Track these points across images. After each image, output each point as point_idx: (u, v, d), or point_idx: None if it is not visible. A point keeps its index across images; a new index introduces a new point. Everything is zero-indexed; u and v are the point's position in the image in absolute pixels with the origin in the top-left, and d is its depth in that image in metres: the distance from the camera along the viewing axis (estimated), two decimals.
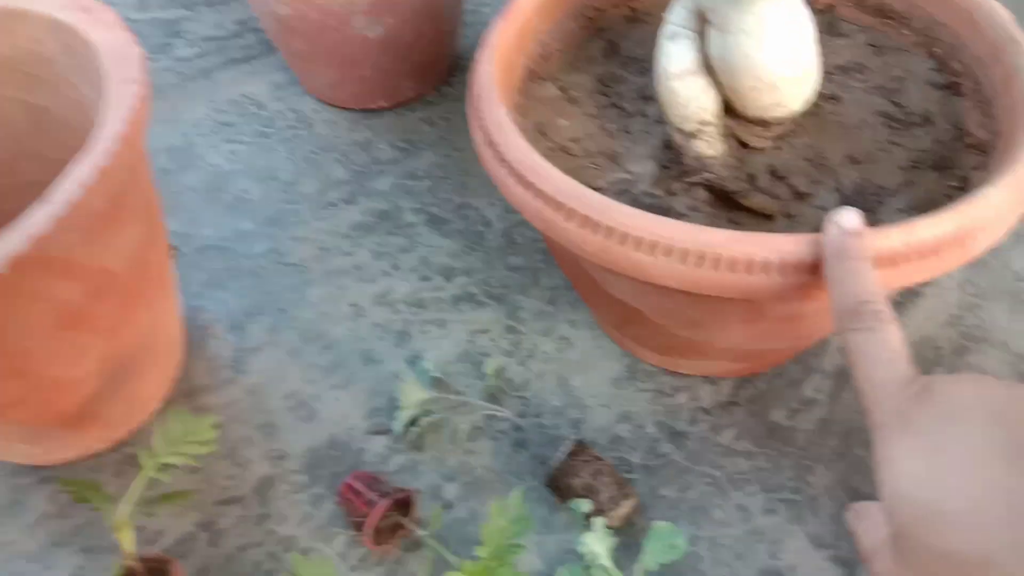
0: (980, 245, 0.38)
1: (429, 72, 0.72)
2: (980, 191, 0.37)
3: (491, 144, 0.43)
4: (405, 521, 0.46)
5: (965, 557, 0.26)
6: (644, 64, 0.52)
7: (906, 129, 0.47)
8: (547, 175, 0.41)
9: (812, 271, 0.36)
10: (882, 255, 0.36)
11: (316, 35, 0.65)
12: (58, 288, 0.40)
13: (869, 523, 0.35)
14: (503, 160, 0.42)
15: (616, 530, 0.46)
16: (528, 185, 0.41)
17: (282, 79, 0.77)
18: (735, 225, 0.44)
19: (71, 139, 0.51)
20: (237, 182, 0.68)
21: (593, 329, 0.56)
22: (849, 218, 0.35)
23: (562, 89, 0.52)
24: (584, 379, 0.54)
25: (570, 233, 0.40)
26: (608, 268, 0.40)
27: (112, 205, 0.40)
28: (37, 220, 0.36)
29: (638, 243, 0.38)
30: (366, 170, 0.68)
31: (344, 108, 0.73)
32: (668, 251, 0.37)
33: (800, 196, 0.45)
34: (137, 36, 0.46)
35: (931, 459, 0.28)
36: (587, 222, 0.39)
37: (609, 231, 0.38)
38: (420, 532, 0.46)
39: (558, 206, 0.40)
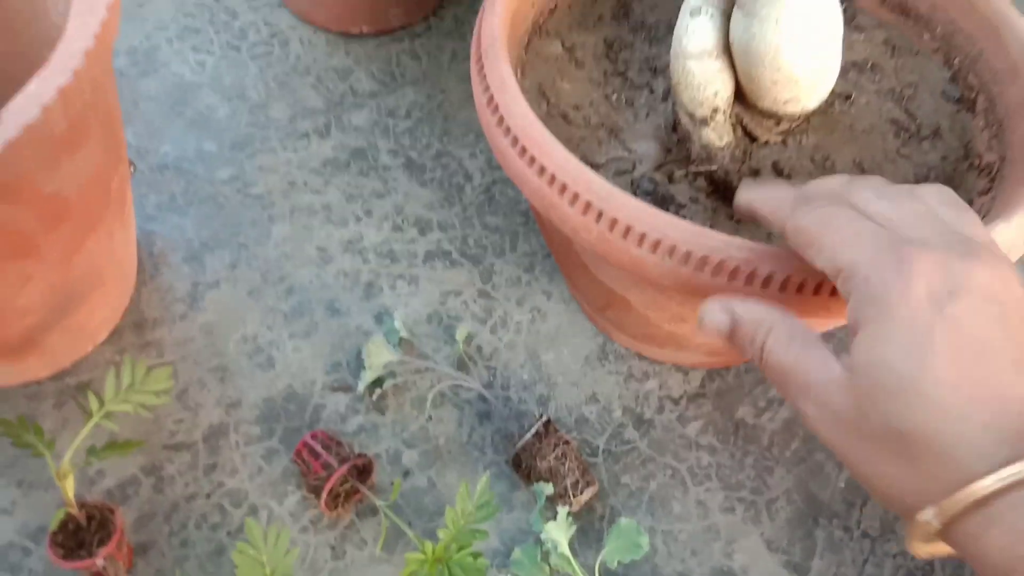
0: None
1: (418, 0, 0.67)
2: (993, 226, 0.36)
3: (493, 107, 0.41)
4: (362, 487, 0.45)
5: (919, 435, 0.26)
6: (656, 31, 0.50)
7: (915, 141, 0.45)
8: (551, 151, 0.38)
9: (816, 291, 0.35)
10: None
11: None
12: (7, 215, 0.36)
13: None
14: (505, 127, 0.40)
15: (575, 515, 0.45)
16: (531, 160, 0.39)
17: None
18: (733, 221, 0.43)
19: (24, 33, 0.46)
20: (202, 96, 0.63)
21: (568, 303, 0.55)
22: (747, 190, 0.38)
23: (567, 48, 0.49)
24: (555, 355, 0.52)
25: (570, 218, 0.38)
26: (604, 258, 0.38)
27: (72, 127, 0.36)
28: None
29: (640, 239, 0.36)
30: (342, 101, 0.64)
31: (323, 28, 0.68)
32: (670, 251, 0.36)
33: None
34: None
35: (919, 337, 0.27)
36: (590, 209, 0.37)
37: (612, 222, 0.36)
38: (377, 501, 0.45)
39: (561, 187, 0.38)
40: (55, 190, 0.38)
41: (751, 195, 0.37)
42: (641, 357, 0.53)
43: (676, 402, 0.51)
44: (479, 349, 0.52)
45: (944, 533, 0.27)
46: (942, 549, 0.28)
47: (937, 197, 0.32)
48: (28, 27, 0.45)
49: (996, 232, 0.36)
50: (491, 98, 0.40)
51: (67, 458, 0.39)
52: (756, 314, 0.33)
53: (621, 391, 0.52)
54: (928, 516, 0.26)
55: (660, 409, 0.51)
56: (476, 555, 0.39)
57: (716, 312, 0.34)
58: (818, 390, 0.29)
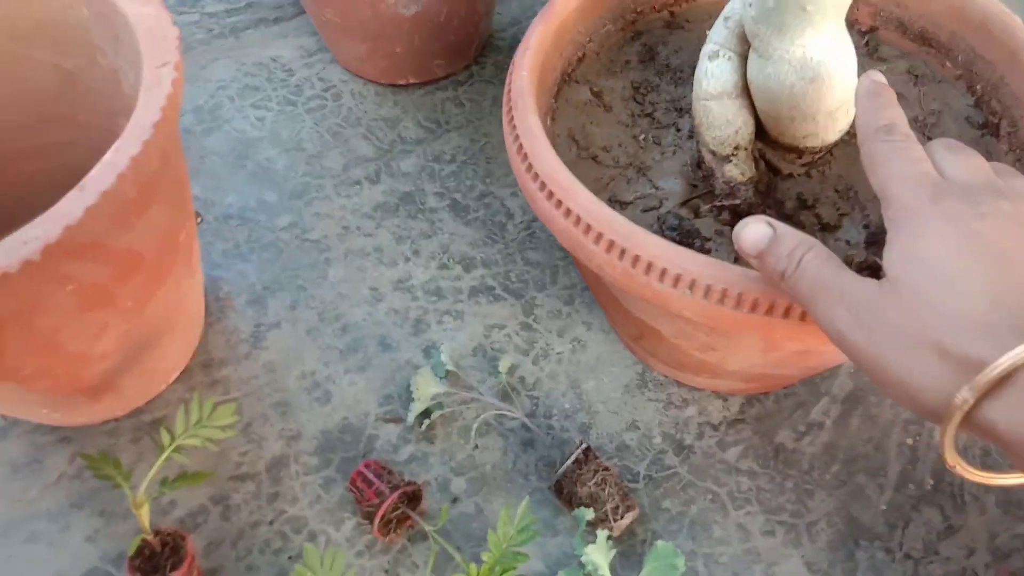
0: None
1: (460, 51, 0.71)
2: None
3: (523, 154, 0.43)
4: (412, 514, 0.48)
5: (949, 330, 0.29)
6: (680, 73, 0.52)
7: None
8: (576, 193, 0.41)
9: None
10: None
11: (349, 8, 0.64)
12: (86, 271, 0.40)
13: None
14: (533, 173, 0.42)
15: (616, 539, 0.47)
16: (558, 203, 0.41)
17: (312, 44, 0.76)
18: None
19: (101, 104, 0.51)
20: (262, 150, 0.68)
21: (607, 333, 0.57)
22: (878, 74, 0.38)
23: (596, 94, 0.51)
24: (595, 383, 0.55)
25: (595, 255, 0.40)
26: (629, 292, 0.40)
27: (142, 191, 0.41)
28: (69, 208, 0.36)
29: (662, 274, 0.38)
30: (392, 148, 0.68)
31: (373, 81, 0.72)
32: (691, 285, 0.38)
33: (827, 228, 0.45)
34: None
35: (958, 239, 0.30)
36: (613, 247, 0.39)
37: (635, 259, 0.38)
38: (426, 526, 0.47)
39: (586, 228, 0.40)
40: (128, 246, 0.42)
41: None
42: (680, 384, 0.54)
43: (716, 428, 0.53)
44: (522, 379, 0.55)
45: (975, 418, 0.29)
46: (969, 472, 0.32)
47: (999, 167, 0.35)
48: (105, 101, 0.50)
49: None
50: (520, 146, 0.43)
51: (142, 489, 0.42)
52: (797, 233, 0.35)
53: (661, 418, 0.53)
54: (964, 394, 0.28)
55: (700, 435, 0.52)
56: None
57: (759, 223, 0.36)
58: (853, 296, 0.32)
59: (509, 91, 0.46)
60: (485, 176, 0.66)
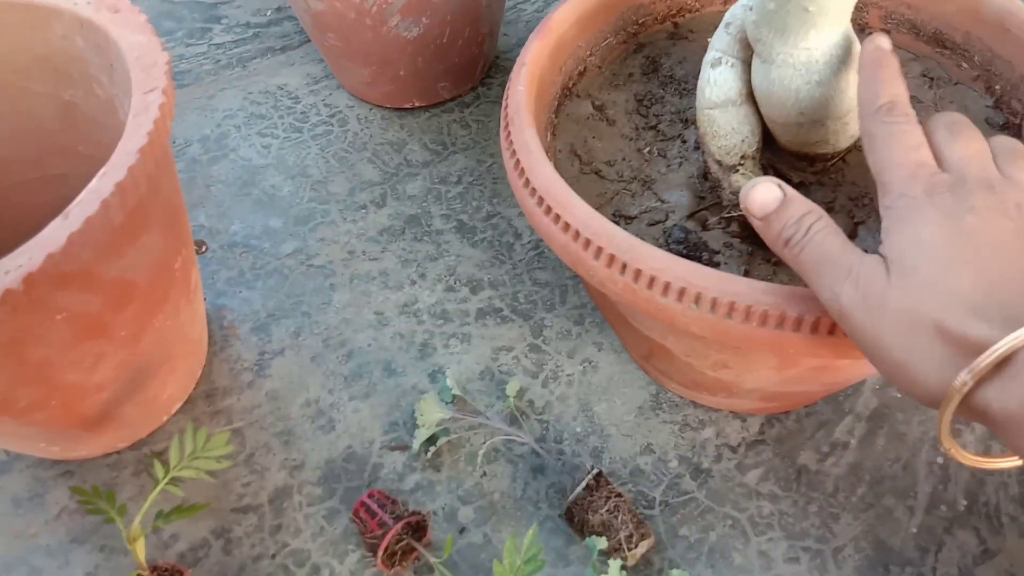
0: None
1: (465, 73, 0.70)
2: None
3: (520, 170, 0.42)
4: (417, 545, 0.46)
5: (946, 317, 0.29)
6: (685, 84, 0.50)
7: None
8: (574, 207, 0.39)
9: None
10: None
11: (351, 33, 0.64)
12: (75, 301, 0.40)
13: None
14: (531, 189, 0.41)
15: (631, 569, 0.45)
16: (556, 218, 0.40)
17: (317, 71, 0.76)
18: (770, 264, 0.42)
19: (100, 135, 0.51)
20: (268, 177, 0.68)
21: (619, 353, 0.55)
22: (884, 39, 0.37)
23: (598, 108, 0.50)
24: (607, 406, 0.53)
25: (596, 271, 0.38)
26: (633, 309, 0.39)
27: (131, 218, 0.40)
28: (52, 236, 0.36)
29: (666, 288, 0.36)
30: (397, 172, 0.67)
31: (379, 106, 0.72)
32: (696, 299, 0.36)
33: None
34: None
35: (952, 232, 0.30)
36: (614, 262, 0.37)
37: (637, 274, 0.37)
38: (432, 558, 0.45)
39: (585, 243, 0.38)
40: (119, 274, 0.41)
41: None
42: (696, 405, 0.52)
43: (734, 450, 0.51)
44: (531, 403, 0.53)
45: (970, 401, 0.29)
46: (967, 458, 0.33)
47: (1003, 144, 0.34)
48: (103, 130, 0.49)
49: None
50: (517, 161, 0.42)
51: (136, 522, 0.41)
52: (807, 201, 0.35)
53: (676, 440, 0.51)
54: (963, 377, 0.28)
55: (718, 458, 0.50)
56: None
57: (769, 184, 0.36)
58: (861, 274, 0.31)
59: (506, 107, 0.45)
60: (492, 197, 0.65)
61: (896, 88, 0.35)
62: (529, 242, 0.61)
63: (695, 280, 0.36)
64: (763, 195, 0.35)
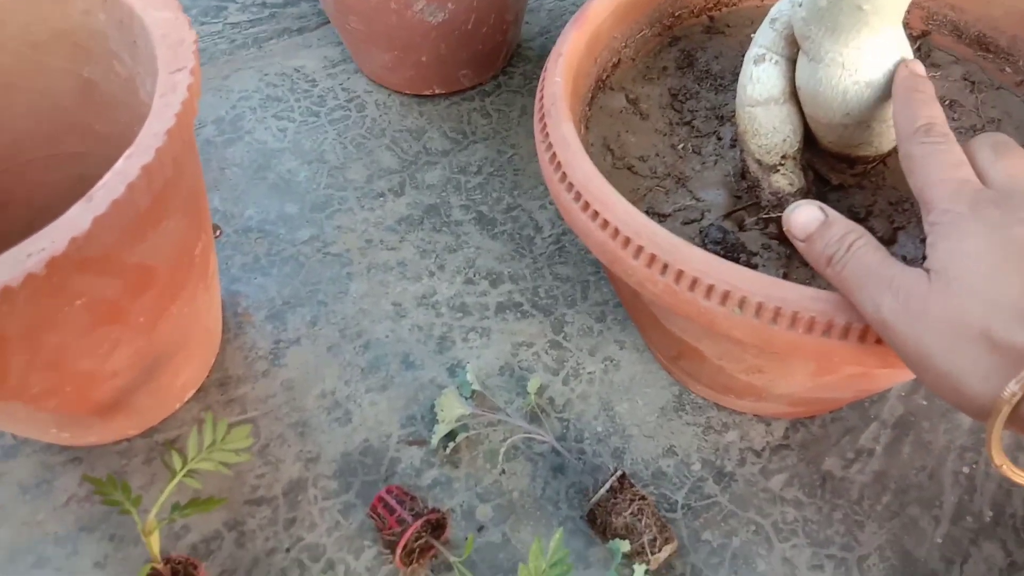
0: None
1: (488, 61, 0.69)
2: None
3: (556, 163, 0.41)
4: (436, 543, 0.45)
5: (993, 327, 0.28)
6: (721, 80, 0.49)
7: None
8: (614, 204, 0.38)
9: None
10: None
11: (374, 15, 0.62)
12: (95, 286, 0.38)
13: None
14: (568, 183, 0.40)
15: (654, 573, 0.44)
16: (594, 214, 0.38)
17: (335, 55, 0.74)
18: (809, 268, 0.41)
19: (119, 115, 0.50)
20: (284, 161, 0.66)
21: (642, 352, 0.54)
22: (918, 64, 0.37)
23: (632, 101, 0.49)
24: (629, 405, 0.52)
25: (635, 271, 0.37)
26: (671, 310, 0.38)
27: (155, 202, 0.39)
28: (76, 219, 0.34)
29: (709, 291, 0.35)
30: (416, 160, 0.66)
31: (398, 92, 0.71)
32: (741, 302, 0.35)
33: (881, 242, 0.41)
34: None
35: (999, 243, 0.30)
36: (654, 261, 0.36)
37: (679, 275, 0.36)
38: (451, 557, 0.44)
39: (625, 241, 0.37)
40: (140, 260, 0.40)
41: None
42: (720, 407, 0.51)
43: (758, 454, 0.50)
44: (551, 401, 0.52)
45: (1020, 412, 0.28)
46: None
47: None
48: (123, 109, 0.48)
49: None
50: (553, 155, 0.41)
51: (152, 515, 0.40)
52: (848, 221, 0.35)
53: (700, 443, 0.50)
54: (1013, 388, 0.28)
55: (742, 462, 0.49)
56: None
57: (811, 207, 0.36)
58: (902, 284, 0.31)
59: (541, 99, 0.43)
60: (512, 188, 0.63)
61: (933, 110, 0.35)
62: (550, 236, 0.60)
63: (740, 283, 0.35)
64: (805, 216, 0.36)
